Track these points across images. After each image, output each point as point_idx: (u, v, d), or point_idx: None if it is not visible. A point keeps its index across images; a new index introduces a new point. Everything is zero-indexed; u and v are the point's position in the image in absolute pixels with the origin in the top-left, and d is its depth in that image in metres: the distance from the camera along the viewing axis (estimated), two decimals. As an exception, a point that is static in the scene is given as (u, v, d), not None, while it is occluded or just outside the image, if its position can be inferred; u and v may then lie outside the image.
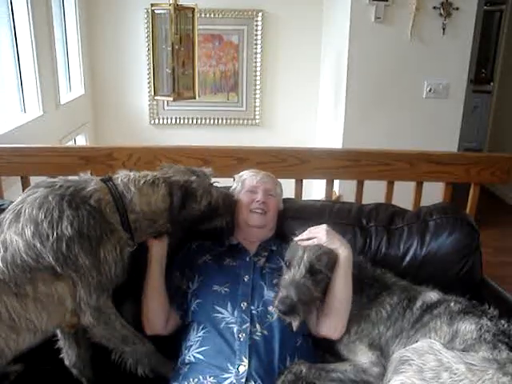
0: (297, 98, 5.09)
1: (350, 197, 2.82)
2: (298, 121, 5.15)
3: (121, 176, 1.61)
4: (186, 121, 5.15)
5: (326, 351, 1.71)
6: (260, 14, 4.86)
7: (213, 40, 4.95)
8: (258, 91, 5.08)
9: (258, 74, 5.03)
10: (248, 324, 1.58)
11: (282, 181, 2.04)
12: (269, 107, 5.15)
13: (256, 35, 4.92)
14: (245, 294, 1.67)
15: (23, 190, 2.49)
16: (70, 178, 1.56)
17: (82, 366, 1.73)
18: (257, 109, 5.13)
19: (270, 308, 1.63)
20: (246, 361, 1.49)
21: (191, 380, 1.50)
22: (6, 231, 1.44)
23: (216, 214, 1.76)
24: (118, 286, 1.58)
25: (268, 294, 1.67)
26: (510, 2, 5.72)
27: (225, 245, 1.86)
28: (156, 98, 3.85)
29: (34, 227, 1.41)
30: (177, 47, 3.46)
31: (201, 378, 1.48)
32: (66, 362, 1.73)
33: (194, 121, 5.16)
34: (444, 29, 3.79)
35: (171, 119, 5.13)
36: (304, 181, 2.71)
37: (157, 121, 5.13)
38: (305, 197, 2.70)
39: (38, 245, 1.41)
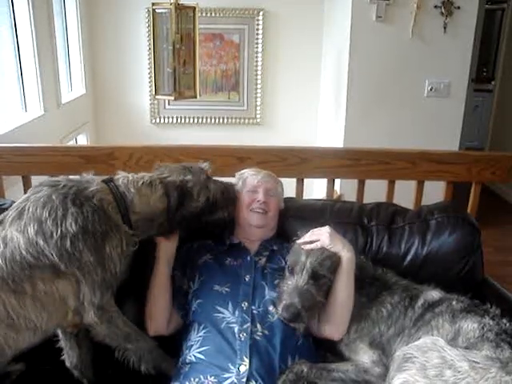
0: (298, 97, 5.09)
1: (351, 196, 2.82)
2: (299, 120, 5.14)
3: (121, 177, 1.62)
4: (186, 120, 5.15)
5: (327, 351, 1.71)
6: (261, 13, 4.85)
7: (214, 39, 4.95)
8: (258, 90, 5.08)
9: (259, 73, 5.03)
10: (249, 324, 1.58)
11: (282, 180, 2.03)
12: (270, 106, 5.15)
13: (257, 34, 4.92)
14: (246, 294, 1.66)
15: (24, 190, 2.51)
16: (73, 177, 1.57)
17: (83, 368, 1.73)
18: (258, 108, 5.13)
19: (271, 308, 1.63)
20: (246, 360, 1.49)
21: (192, 379, 1.50)
22: (8, 228, 1.45)
23: (216, 208, 1.76)
24: (120, 284, 1.58)
25: (269, 293, 1.67)
26: (511, 0, 5.71)
27: (226, 244, 1.86)
28: (157, 97, 3.85)
29: (37, 225, 1.42)
30: (178, 46, 3.46)
31: (202, 377, 1.48)
32: (67, 364, 1.73)
33: (195, 120, 5.16)
34: (445, 28, 3.78)
35: (172, 118, 5.14)
36: (305, 180, 2.71)
37: (158, 120, 5.13)
38: (306, 196, 2.70)
39: (41, 242, 1.41)
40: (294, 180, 2.68)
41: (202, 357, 1.55)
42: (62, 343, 1.71)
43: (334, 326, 1.64)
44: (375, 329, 1.62)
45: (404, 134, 3.91)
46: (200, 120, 5.16)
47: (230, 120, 5.17)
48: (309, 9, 4.85)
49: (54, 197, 1.45)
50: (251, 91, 5.09)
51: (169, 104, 5.04)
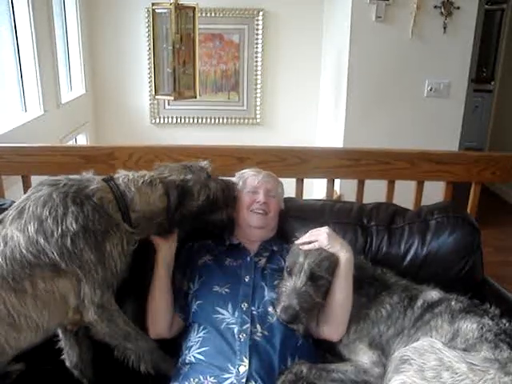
0: (297, 97, 5.09)
1: (350, 196, 2.82)
2: (299, 120, 5.15)
3: (121, 176, 1.62)
4: (186, 120, 5.15)
5: (326, 351, 1.71)
6: (261, 13, 4.85)
7: (213, 39, 4.95)
8: (258, 90, 5.08)
9: (259, 73, 5.03)
10: (248, 324, 1.58)
11: (282, 180, 2.03)
12: (269, 106, 5.15)
13: (257, 34, 4.92)
14: (245, 295, 1.66)
15: (24, 190, 2.51)
16: (73, 176, 1.57)
17: (82, 367, 1.73)
18: (257, 108, 5.14)
19: (271, 309, 1.63)
20: (246, 361, 1.49)
21: (192, 380, 1.50)
22: (8, 227, 1.45)
23: (216, 207, 1.76)
24: (120, 283, 1.58)
25: (269, 294, 1.67)
26: (511, 1, 5.72)
27: (225, 244, 1.86)
28: (157, 97, 3.85)
29: (37, 224, 1.42)
30: (177, 46, 3.46)
31: (201, 378, 1.48)
32: (67, 363, 1.73)
33: (195, 120, 5.16)
34: (445, 28, 3.79)
35: (172, 118, 5.14)
36: (305, 180, 2.71)
37: (157, 120, 5.13)
38: (305, 196, 2.70)
39: (42, 241, 1.41)
40: (294, 180, 2.68)
41: (202, 357, 1.55)
42: (62, 343, 1.71)
43: (332, 327, 1.63)
44: (374, 329, 1.62)
45: (404, 134, 3.91)
46: (200, 120, 5.16)
47: (229, 120, 5.18)
48: (308, 9, 4.85)
49: (54, 196, 1.46)
50: (251, 91, 5.09)
51: (168, 104, 5.04)
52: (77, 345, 1.71)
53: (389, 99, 3.97)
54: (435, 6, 3.75)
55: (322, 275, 1.59)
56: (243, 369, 1.47)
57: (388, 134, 3.91)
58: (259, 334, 1.56)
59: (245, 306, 1.63)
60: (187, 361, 1.58)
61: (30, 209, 1.45)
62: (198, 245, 1.88)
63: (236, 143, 2.90)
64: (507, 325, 1.53)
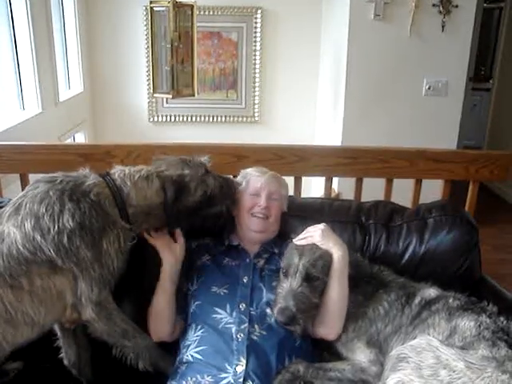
0: (296, 96, 5.09)
1: (348, 194, 2.82)
2: (297, 118, 5.15)
3: (117, 171, 1.62)
4: (185, 118, 5.15)
5: (324, 350, 1.70)
6: (259, 11, 4.85)
7: (212, 37, 4.94)
8: (257, 88, 5.08)
9: (257, 71, 5.02)
10: (246, 324, 1.57)
11: (281, 178, 2.02)
12: (268, 104, 5.15)
13: (255, 32, 4.91)
14: (243, 296, 1.66)
15: (22, 188, 2.51)
16: (70, 173, 1.57)
17: (81, 366, 1.73)
18: (256, 106, 5.13)
19: (269, 310, 1.62)
20: (243, 361, 1.48)
21: (189, 379, 1.49)
22: (5, 223, 1.45)
23: (214, 203, 1.75)
24: (117, 280, 1.58)
25: (267, 296, 1.66)
26: (509, -1, 5.72)
27: (224, 244, 1.84)
28: (155, 95, 3.85)
29: (34, 221, 1.42)
30: (176, 44, 3.46)
31: (198, 377, 1.48)
32: (65, 362, 1.73)
33: (193, 118, 5.16)
34: (443, 26, 3.79)
35: (170, 117, 5.13)
36: (303, 178, 2.71)
37: (156, 118, 5.13)
38: (304, 194, 2.70)
39: (39, 238, 1.41)
40: (292, 178, 2.68)
41: (200, 356, 1.54)
42: (60, 342, 1.71)
43: (328, 326, 1.63)
44: (372, 327, 1.62)
45: (402, 133, 3.91)
46: (198, 118, 5.16)
47: (228, 118, 5.17)
48: (307, 7, 4.85)
49: (51, 193, 1.46)
50: (249, 89, 5.09)
51: (167, 102, 5.03)
52: (75, 344, 1.71)
53: (387, 97, 3.98)
54: (433, 5, 3.75)
55: (317, 275, 1.58)
56: (240, 368, 1.47)
57: (386, 133, 3.91)
58: (257, 334, 1.56)
59: (243, 306, 1.63)
60: (184, 360, 1.58)
61: (27, 206, 1.44)
62: (197, 244, 1.87)
63: (234, 141, 2.89)
64: (505, 323, 1.53)
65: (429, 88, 3.94)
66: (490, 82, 6.52)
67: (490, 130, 6.27)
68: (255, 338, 1.55)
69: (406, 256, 1.93)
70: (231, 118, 5.17)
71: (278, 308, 1.56)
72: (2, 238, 1.42)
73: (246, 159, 2.52)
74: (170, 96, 3.64)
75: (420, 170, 2.64)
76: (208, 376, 1.47)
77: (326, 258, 1.60)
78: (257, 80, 5.05)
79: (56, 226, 1.42)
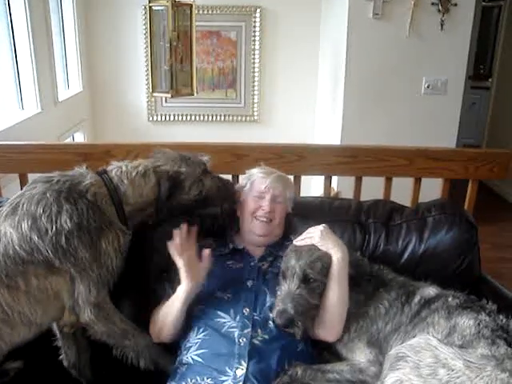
0: (295, 95, 5.09)
1: (348, 193, 2.82)
2: (297, 117, 5.14)
3: (114, 168, 1.61)
4: (184, 117, 5.14)
5: (324, 349, 1.70)
6: (258, 10, 4.84)
7: (211, 36, 4.94)
8: (256, 88, 5.07)
9: (257, 70, 5.02)
10: (249, 329, 1.57)
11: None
12: (267, 104, 5.14)
13: (254, 32, 4.91)
14: (248, 301, 1.64)
15: (21, 188, 2.49)
16: (66, 172, 1.57)
17: (81, 367, 1.73)
18: (255, 105, 5.13)
19: (271, 314, 1.61)
20: (244, 364, 1.48)
21: (189, 380, 1.49)
22: (2, 223, 1.45)
23: (209, 203, 1.74)
24: (116, 279, 1.58)
25: (270, 300, 1.65)
26: (508, -3, 5.71)
27: (229, 247, 1.82)
28: (154, 94, 3.84)
29: (31, 221, 1.42)
30: (175, 44, 3.45)
31: (198, 378, 1.48)
32: (65, 363, 1.73)
33: (192, 117, 5.15)
34: (442, 25, 3.78)
35: (169, 116, 5.13)
36: (302, 177, 2.71)
37: (155, 117, 5.12)
38: (303, 193, 2.70)
39: (36, 238, 1.41)
40: (292, 177, 2.68)
41: (200, 359, 1.54)
42: (60, 343, 1.71)
43: (327, 329, 1.62)
44: (373, 326, 1.62)
45: (401, 132, 3.91)
46: (197, 117, 5.15)
47: (227, 117, 5.17)
48: (306, 6, 4.84)
49: (48, 194, 1.46)
50: (248, 89, 5.08)
51: (166, 101, 5.02)
52: (74, 345, 1.71)
53: (386, 96, 3.97)
54: (432, 3, 3.75)
55: (315, 277, 1.57)
56: (240, 372, 1.47)
57: (385, 131, 3.91)
58: (259, 338, 1.56)
59: (246, 311, 1.62)
60: (184, 361, 1.57)
61: (24, 206, 1.44)
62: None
63: (234, 140, 2.89)
64: (504, 321, 1.53)
65: (428, 86, 3.94)
66: (489, 80, 6.52)
67: (489, 129, 6.27)
68: (257, 342, 1.55)
69: (406, 255, 1.93)
70: (230, 117, 5.17)
71: (276, 311, 1.55)
72: None
73: (245, 158, 2.52)
74: (169, 95, 3.63)
75: (419, 169, 2.64)
76: (208, 378, 1.47)
77: (324, 260, 1.59)
78: (256, 79, 5.04)
79: (54, 227, 1.42)
